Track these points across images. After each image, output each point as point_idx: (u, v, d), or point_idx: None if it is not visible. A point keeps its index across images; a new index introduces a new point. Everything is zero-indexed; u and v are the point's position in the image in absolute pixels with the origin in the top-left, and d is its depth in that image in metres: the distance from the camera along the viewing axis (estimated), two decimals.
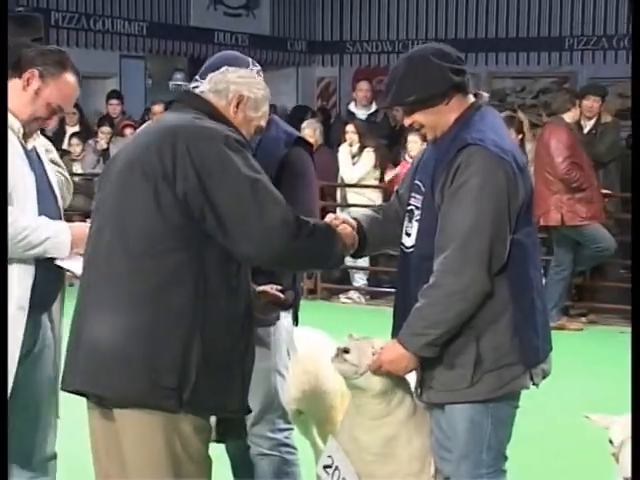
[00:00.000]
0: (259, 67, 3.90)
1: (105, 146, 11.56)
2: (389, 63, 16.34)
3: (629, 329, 3.51)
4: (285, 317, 3.96)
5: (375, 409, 3.61)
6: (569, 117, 9.15)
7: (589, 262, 9.36)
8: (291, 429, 4.19)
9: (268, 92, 3.50)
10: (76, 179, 9.57)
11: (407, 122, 3.58)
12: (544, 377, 3.56)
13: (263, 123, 3.52)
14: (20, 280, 3.60)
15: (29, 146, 3.75)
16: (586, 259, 9.24)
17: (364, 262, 10.78)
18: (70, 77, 3.71)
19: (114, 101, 12.38)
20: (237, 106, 3.39)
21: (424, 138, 10.39)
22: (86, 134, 11.80)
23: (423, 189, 3.52)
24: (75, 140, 11.48)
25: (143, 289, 3.14)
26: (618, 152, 9.83)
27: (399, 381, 3.61)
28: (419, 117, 3.50)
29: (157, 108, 11.47)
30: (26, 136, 3.72)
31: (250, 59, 3.90)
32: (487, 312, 3.39)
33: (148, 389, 3.13)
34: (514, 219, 3.38)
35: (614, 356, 7.70)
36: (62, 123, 11.56)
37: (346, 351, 3.55)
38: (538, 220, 8.47)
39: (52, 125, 3.75)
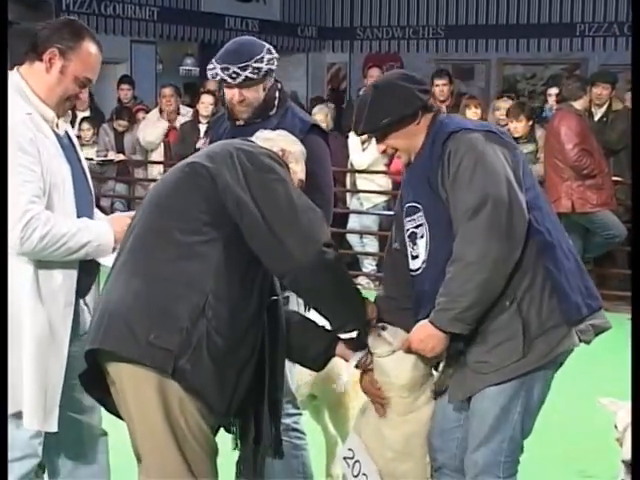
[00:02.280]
0: (276, 54, 3.93)
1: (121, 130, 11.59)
2: (399, 49, 16.32)
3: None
4: (296, 302, 3.97)
5: (401, 403, 3.62)
6: (579, 104, 9.12)
7: (599, 249, 9.35)
8: (299, 414, 4.22)
9: (305, 150, 3.61)
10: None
11: (380, 149, 3.63)
12: (599, 333, 3.53)
13: (302, 177, 3.60)
14: (65, 279, 3.58)
15: (61, 131, 3.69)
16: (596, 246, 9.23)
17: (373, 248, 10.79)
18: (90, 45, 3.65)
19: (125, 86, 12.36)
20: (282, 157, 3.50)
21: None
22: (97, 119, 11.80)
23: (419, 206, 3.53)
24: (86, 125, 11.43)
25: (163, 259, 3.24)
26: (630, 140, 9.79)
27: (428, 380, 3.64)
28: (392, 141, 3.56)
29: (167, 91, 11.49)
30: (57, 117, 3.66)
31: (267, 45, 3.93)
32: (520, 279, 3.39)
33: (144, 347, 3.16)
34: (520, 178, 3.43)
35: (623, 342, 7.69)
36: (73, 108, 11.51)
37: (383, 328, 3.59)
38: None
39: (83, 99, 3.67)
